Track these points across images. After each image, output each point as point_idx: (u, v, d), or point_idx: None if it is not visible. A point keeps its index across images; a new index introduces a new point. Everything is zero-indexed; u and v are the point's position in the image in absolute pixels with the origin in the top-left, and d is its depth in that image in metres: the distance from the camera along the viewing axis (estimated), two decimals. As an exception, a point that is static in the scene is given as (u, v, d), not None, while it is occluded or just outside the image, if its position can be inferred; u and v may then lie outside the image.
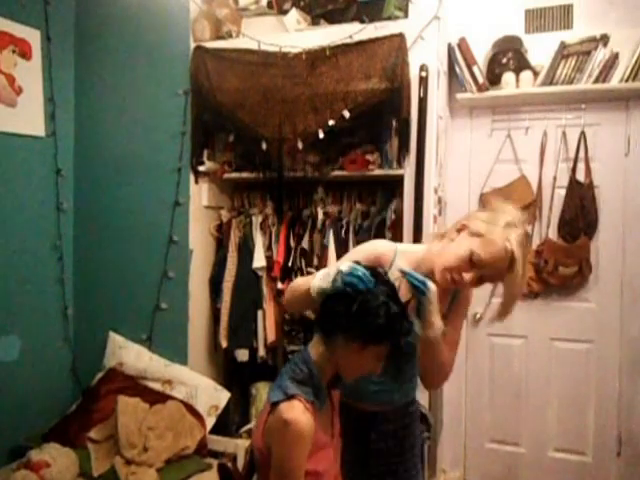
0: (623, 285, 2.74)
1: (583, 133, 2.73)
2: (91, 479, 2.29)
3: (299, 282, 1.48)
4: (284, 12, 2.74)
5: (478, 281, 1.39)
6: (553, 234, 2.78)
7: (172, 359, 2.78)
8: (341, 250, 2.65)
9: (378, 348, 1.27)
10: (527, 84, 2.71)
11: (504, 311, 1.42)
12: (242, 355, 2.82)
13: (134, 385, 2.66)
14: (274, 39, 2.61)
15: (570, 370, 2.80)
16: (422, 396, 2.46)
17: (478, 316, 2.88)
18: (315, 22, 2.74)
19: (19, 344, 2.69)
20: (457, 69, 2.79)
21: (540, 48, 2.74)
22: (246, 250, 2.84)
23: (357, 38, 2.51)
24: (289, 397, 1.25)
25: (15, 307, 2.69)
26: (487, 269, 1.36)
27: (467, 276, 1.37)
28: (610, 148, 2.74)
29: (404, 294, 1.37)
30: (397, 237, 2.56)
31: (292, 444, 1.22)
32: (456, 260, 1.38)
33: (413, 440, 1.63)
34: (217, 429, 2.63)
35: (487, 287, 1.40)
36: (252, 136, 2.67)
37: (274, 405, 1.27)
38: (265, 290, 2.81)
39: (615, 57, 2.59)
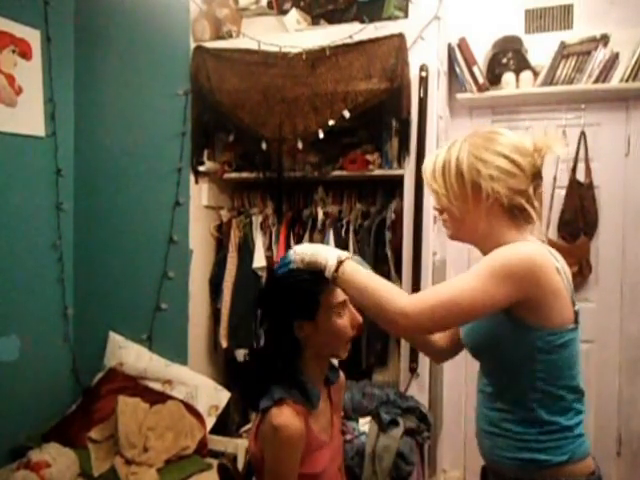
0: (623, 285, 2.75)
1: (583, 133, 2.74)
2: (91, 479, 2.29)
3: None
4: (284, 12, 2.74)
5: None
6: (553, 234, 2.78)
7: (172, 359, 2.78)
8: (341, 250, 2.65)
9: (325, 308, 1.28)
10: (527, 84, 2.71)
11: None
12: (242, 355, 2.82)
13: (134, 385, 2.66)
14: (274, 39, 2.61)
15: (570, 370, 2.80)
16: (422, 396, 2.48)
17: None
18: (315, 22, 2.74)
19: (19, 344, 2.70)
20: (457, 69, 2.79)
21: (540, 48, 2.74)
22: (246, 250, 2.83)
23: (357, 38, 2.51)
24: (277, 402, 1.25)
25: (15, 307, 2.69)
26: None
27: None
28: (610, 148, 2.74)
29: None
30: (397, 237, 2.56)
31: (283, 449, 1.22)
32: None
33: None
34: (217, 429, 2.63)
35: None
36: (252, 136, 2.67)
37: (264, 411, 1.27)
38: (265, 290, 2.81)
39: (615, 57, 2.59)
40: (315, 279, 1.26)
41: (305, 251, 1.25)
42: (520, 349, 1.19)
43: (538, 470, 1.20)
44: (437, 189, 1.24)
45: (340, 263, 1.20)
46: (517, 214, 1.22)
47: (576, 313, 1.19)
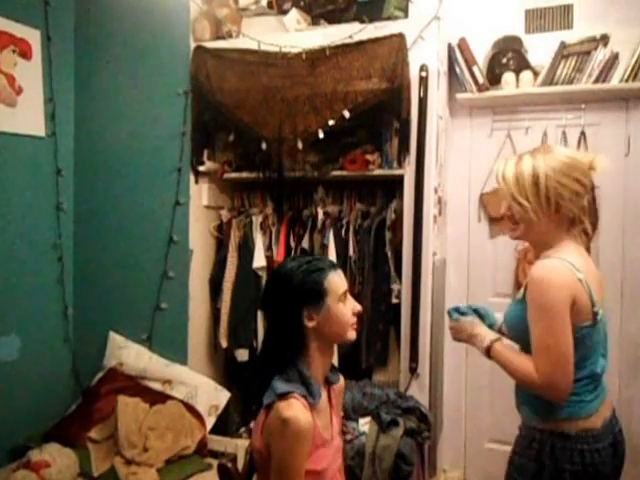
0: (623, 285, 2.74)
1: (583, 133, 2.73)
2: (91, 479, 2.29)
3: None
4: (284, 12, 2.74)
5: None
6: (553, 234, 2.78)
7: (172, 359, 2.78)
8: (341, 250, 2.66)
9: (331, 295, 1.33)
10: (527, 84, 2.71)
11: None
12: (242, 355, 2.82)
13: (134, 385, 2.66)
14: (274, 39, 2.61)
15: (570, 370, 2.80)
16: (422, 396, 2.48)
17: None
18: (315, 22, 2.74)
19: (19, 344, 2.70)
20: (457, 69, 2.79)
21: (540, 48, 2.74)
22: (246, 250, 2.84)
23: (357, 38, 2.51)
24: (284, 395, 1.25)
25: (15, 307, 2.69)
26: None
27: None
28: (610, 148, 2.73)
29: None
30: (397, 237, 2.56)
31: (292, 442, 1.22)
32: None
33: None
34: (217, 429, 2.63)
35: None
36: (252, 136, 2.67)
37: (268, 406, 1.27)
38: (265, 290, 2.81)
39: (615, 57, 2.59)
40: (321, 268, 1.33)
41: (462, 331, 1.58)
42: None
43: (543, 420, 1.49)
44: (522, 202, 1.44)
45: (489, 348, 1.50)
46: (576, 224, 1.47)
47: (595, 313, 1.39)
